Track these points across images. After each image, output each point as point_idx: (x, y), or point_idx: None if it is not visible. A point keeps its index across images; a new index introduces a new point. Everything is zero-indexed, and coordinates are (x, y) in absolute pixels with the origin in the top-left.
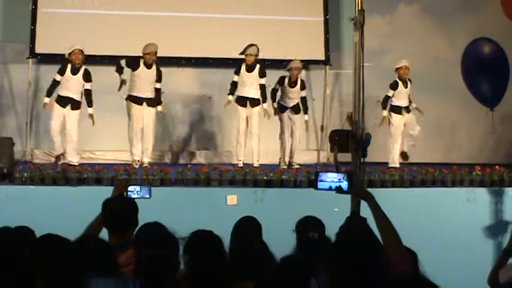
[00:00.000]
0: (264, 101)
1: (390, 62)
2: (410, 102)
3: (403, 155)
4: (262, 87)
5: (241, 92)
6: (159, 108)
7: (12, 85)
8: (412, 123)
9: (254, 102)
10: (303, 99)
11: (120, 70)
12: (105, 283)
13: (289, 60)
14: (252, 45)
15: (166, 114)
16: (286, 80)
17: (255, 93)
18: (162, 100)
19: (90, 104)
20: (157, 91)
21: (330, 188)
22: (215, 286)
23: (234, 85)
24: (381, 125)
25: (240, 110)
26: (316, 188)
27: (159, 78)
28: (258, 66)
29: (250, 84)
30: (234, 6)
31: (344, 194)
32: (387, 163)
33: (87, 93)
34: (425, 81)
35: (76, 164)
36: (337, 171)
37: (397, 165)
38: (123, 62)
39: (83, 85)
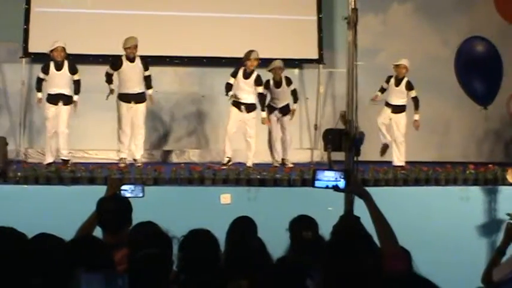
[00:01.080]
0: (263, 109)
1: (383, 61)
2: (416, 110)
3: (384, 147)
4: (261, 96)
5: (237, 96)
6: (150, 91)
7: (5, 85)
8: (398, 127)
9: (249, 108)
10: (293, 91)
11: (109, 80)
12: (95, 278)
13: (271, 60)
14: (253, 50)
15: (160, 113)
16: (271, 82)
17: (251, 99)
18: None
19: (77, 91)
20: (147, 78)
21: (327, 187)
22: (208, 285)
23: (229, 87)
24: (373, 100)
25: (234, 112)
26: (313, 186)
27: (145, 67)
28: (255, 74)
29: (245, 90)
30: (227, 5)
31: (341, 192)
32: (382, 162)
33: (77, 83)
34: (419, 80)
35: (67, 158)
36: (334, 170)
37: (403, 164)
38: (109, 70)
39: (71, 78)
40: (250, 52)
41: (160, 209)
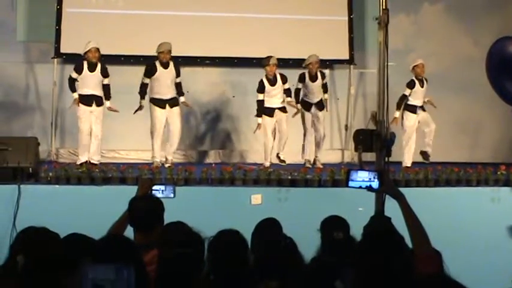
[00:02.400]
0: (289, 95)
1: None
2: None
3: (424, 154)
4: (287, 90)
5: (268, 103)
6: (182, 99)
7: (37, 85)
8: (427, 121)
9: (282, 110)
10: (324, 85)
11: (143, 93)
12: (99, 269)
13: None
14: (271, 56)
15: (190, 114)
16: (307, 76)
17: (281, 103)
18: (185, 93)
19: (108, 97)
20: (178, 85)
21: (361, 187)
22: (237, 286)
23: (261, 104)
24: (391, 123)
25: (269, 120)
26: (347, 186)
27: (177, 74)
28: (278, 75)
29: (275, 95)
30: (258, 5)
31: (374, 192)
32: (412, 163)
33: (107, 88)
34: (450, 80)
35: (97, 162)
36: (369, 170)
37: (409, 165)
38: (144, 79)
39: (102, 80)
40: (268, 58)
41: (191, 210)
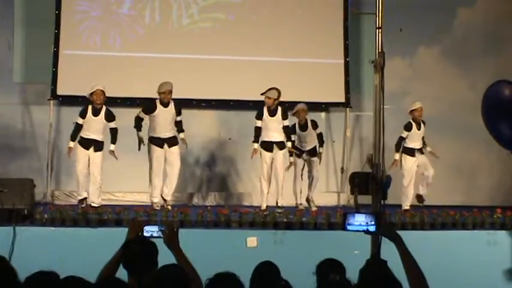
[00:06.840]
0: (288, 140)
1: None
2: (424, 144)
3: (419, 198)
4: (286, 128)
5: (266, 136)
6: (182, 135)
7: (33, 126)
8: (425, 165)
9: (280, 146)
10: (319, 135)
11: (138, 126)
12: None
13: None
14: (273, 88)
15: (186, 156)
16: (297, 126)
17: (279, 137)
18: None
19: (114, 141)
20: (179, 123)
21: (358, 230)
22: None
23: (258, 131)
24: (391, 168)
25: (266, 156)
26: (344, 229)
27: (178, 113)
28: (280, 109)
29: (273, 128)
30: (254, 48)
31: (372, 234)
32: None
33: (113, 132)
34: (445, 124)
35: (97, 205)
36: (365, 213)
37: (408, 208)
38: (141, 114)
39: (107, 125)
40: (268, 90)
41: (186, 252)
